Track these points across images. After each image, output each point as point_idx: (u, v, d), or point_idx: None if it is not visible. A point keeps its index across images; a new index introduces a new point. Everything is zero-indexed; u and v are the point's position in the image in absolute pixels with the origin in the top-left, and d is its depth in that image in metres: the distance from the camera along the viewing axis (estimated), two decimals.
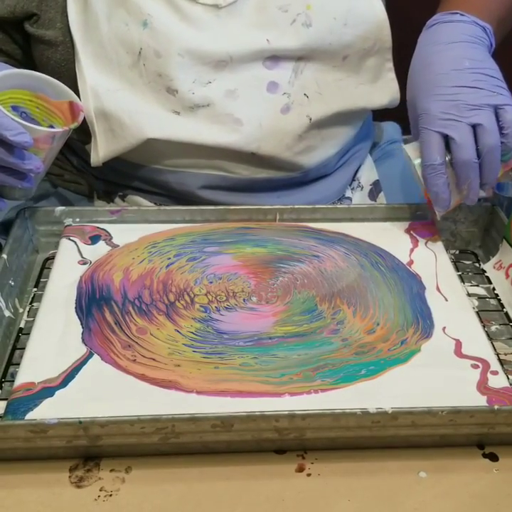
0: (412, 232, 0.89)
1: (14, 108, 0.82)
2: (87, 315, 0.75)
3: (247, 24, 0.89)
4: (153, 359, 0.70)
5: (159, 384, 0.67)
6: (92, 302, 0.77)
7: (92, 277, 0.81)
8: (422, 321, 0.76)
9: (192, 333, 0.74)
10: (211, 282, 0.81)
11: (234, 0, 0.89)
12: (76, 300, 0.77)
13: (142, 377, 0.68)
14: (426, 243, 0.87)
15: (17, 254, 0.83)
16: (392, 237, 0.88)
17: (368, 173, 1.05)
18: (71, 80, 0.88)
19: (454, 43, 0.83)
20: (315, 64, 0.92)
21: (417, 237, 0.88)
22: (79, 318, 0.75)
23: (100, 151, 0.91)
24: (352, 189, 1.04)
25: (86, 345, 0.71)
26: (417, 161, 0.84)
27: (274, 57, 0.90)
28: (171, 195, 0.96)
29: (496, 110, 0.79)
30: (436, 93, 0.81)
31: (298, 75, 0.92)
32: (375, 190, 1.04)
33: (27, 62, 0.94)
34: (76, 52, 0.88)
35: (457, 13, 0.86)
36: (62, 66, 0.90)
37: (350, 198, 1.02)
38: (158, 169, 0.94)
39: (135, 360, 0.70)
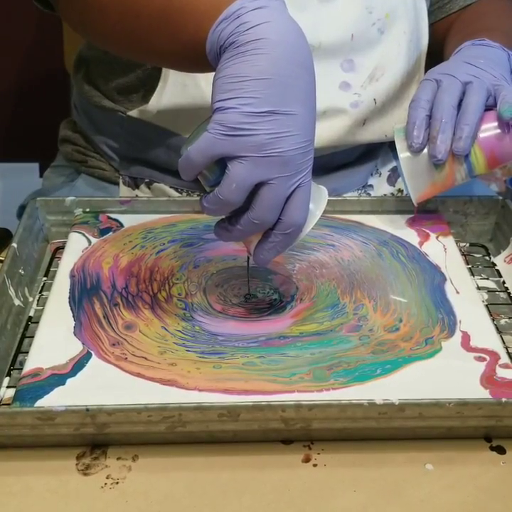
0: (422, 225, 0.89)
1: None
2: (78, 307, 0.74)
3: (340, 13, 0.91)
4: (145, 358, 0.68)
5: (158, 382, 0.66)
6: (83, 293, 0.76)
7: (83, 265, 0.80)
8: (447, 318, 0.74)
9: (180, 331, 0.72)
10: (197, 266, 0.80)
11: None
12: (70, 290, 0.77)
13: (138, 376, 0.66)
14: (437, 237, 0.87)
15: (27, 243, 0.84)
16: (401, 230, 0.88)
17: (385, 160, 1.05)
18: None
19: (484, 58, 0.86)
20: (390, 74, 0.95)
21: (428, 231, 0.88)
22: (71, 310, 0.74)
23: (164, 96, 0.90)
24: (371, 175, 1.04)
25: (79, 339, 0.70)
26: (404, 155, 0.83)
27: (352, 62, 0.92)
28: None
29: (494, 88, 0.81)
30: (442, 65, 0.86)
31: (372, 81, 0.94)
32: (393, 176, 1.04)
33: None
34: None
35: (485, 40, 0.89)
36: None
37: (372, 186, 1.02)
38: None
39: (126, 358, 0.68)
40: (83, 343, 0.70)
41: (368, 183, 1.03)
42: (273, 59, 0.59)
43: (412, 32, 0.96)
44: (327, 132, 0.93)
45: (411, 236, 0.87)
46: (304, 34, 0.63)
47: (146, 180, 0.98)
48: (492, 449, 0.65)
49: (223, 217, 0.66)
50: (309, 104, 0.62)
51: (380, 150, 1.04)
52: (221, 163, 0.62)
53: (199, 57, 0.63)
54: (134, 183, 0.99)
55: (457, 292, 0.78)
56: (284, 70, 0.60)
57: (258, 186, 0.62)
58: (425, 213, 0.90)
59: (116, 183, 1.00)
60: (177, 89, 0.90)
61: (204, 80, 0.89)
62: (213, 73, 0.63)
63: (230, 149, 0.60)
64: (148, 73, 0.93)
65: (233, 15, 0.60)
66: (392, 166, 1.05)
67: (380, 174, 1.04)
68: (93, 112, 1.02)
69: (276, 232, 0.64)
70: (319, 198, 0.68)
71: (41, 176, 1.63)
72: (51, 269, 0.84)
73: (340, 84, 0.93)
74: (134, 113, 0.94)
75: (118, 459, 0.63)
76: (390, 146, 1.08)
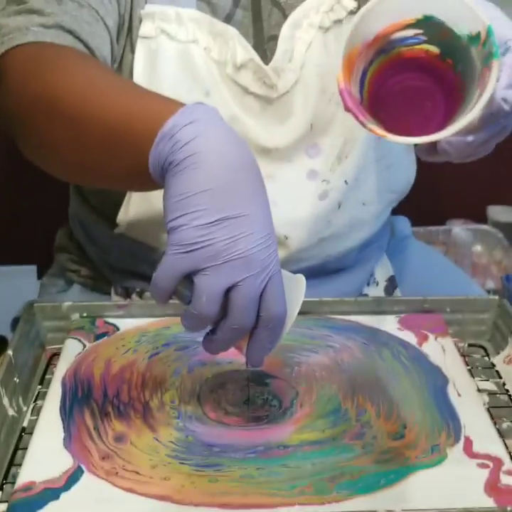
0: (420, 326, 0.88)
1: None
2: (68, 417, 0.72)
3: (294, 112, 0.91)
4: (137, 472, 0.66)
5: (151, 498, 0.63)
6: (74, 402, 0.75)
7: (75, 372, 0.79)
8: (452, 423, 0.72)
9: (172, 442, 0.70)
10: (191, 370, 0.79)
11: (285, 91, 0.90)
12: (61, 399, 0.75)
13: (131, 491, 0.64)
14: (435, 338, 0.86)
15: (23, 350, 0.83)
16: (399, 331, 0.88)
17: (383, 269, 1.05)
18: None
19: None
20: (359, 149, 0.93)
21: (426, 332, 0.87)
22: (62, 420, 0.72)
23: (130, 210, 0.91)
24: (367, 285, 1.04)
25: (69, 453, 0.68)
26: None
27: (316, 146, 0.92)
28: None
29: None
30: None
31: (342, 160, 0.93)
32: (391, 285, 1.04)
33: None
34: None
35: None
36: None
37: (367, 295, 1.02)
38: None
39: (117, 473, 0.66)
40: (73, 457, 0.68)
41: (363, 293, 1.02)
42: (209, 170, 0.60)
43: None
44: (297, 231, 0.93)
45: (409, 337, 0.87)
46: (239, 138, 0.63)
47: (138, 289, 0.99)
48: None
49: (208, 330, 0.66)
50: (259, 200, 0.62)
51: (373, 252, 1.04)
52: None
53: (146, 179, 0.64)
54: (126, 293, 0.99)
55: (459, 395, 0.77)
56: (223, 177, 0.60)
57: (228, 292, 0.61)
58: (423, 313, 0.90)
59: (109, 293, 1.00)
60: (141, 200, 0.91)
61: None
62: None
63: (191, 265, 0.60)
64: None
65: (167, 134, 0.61)
66: (389, 276, 1.05)
67: (377, 284, 1.04)
68: (86, 223, 1.03)
69: (259, 330, 0.64)
70: (297, 284, 0.67)
71: (39, 277, 1.64)
72: (46, 376, 0.83)
73: (308, 173, 0.93)
74: (118, 229, 0.95)
75: None
76: (387, 252, 1.08)
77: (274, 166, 0.91)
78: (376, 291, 1.03)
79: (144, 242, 0.95)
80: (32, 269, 1.70)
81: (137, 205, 0.91)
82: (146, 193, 0.88)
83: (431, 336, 0.87)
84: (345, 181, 0.94)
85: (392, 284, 1.04)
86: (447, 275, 1.11)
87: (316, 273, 0.97)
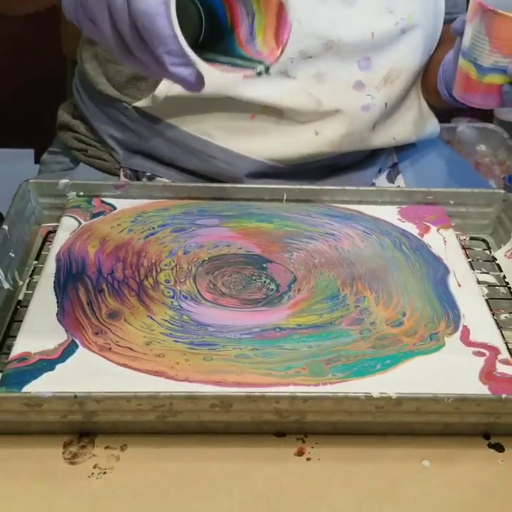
0: (422, 218, 0.87)
1: None
2: (62, 292, 0.72)
3: (361, 11, 0.90)
4: (130, 348, 0.66)
5: (145, 373, 0.63)
6: (69, 277, 0.74)
7: (69, 249, 0.78)
8: (452, 313, 0.72)
9: (167, 321, 0.69)
10: (187, 252, 0.78)
11: None
12: (55, 274, 0.74)
13: (125, 366, 0.64)
14: (438, 230, 0.85)
15: (18, 226, 0.82)
16: (401, 222, 0.86)
17: (387, 156, 1.03)
18: None
19: None
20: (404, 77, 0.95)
21: (428, 224, 0.86)
22: (56, 295, 0.71)
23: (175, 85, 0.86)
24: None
25: (62, 326, 0.68)
26: None
27: (369, 60, 0.92)
28: (205, 181, 0.94)
29: None
30: None
31: (387, 83, 0.93)
32: (393, 172, 1.03)
33: None
34: None
35: None
36: None
37: (374, 184, 1.01)
38: (206, 142, 0.92)
39: (110, 348, 0.66)
40: (66, 331, 0.67)
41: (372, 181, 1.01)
42: None
43: (428, 36, 0.95)
44: (333, 134, 0.93)
45: (411, 228, 0.85)
46: None
47: (148, 173, 0.96)
48: (490, 446, 0.63)
49: None
50: None
51: (385, 151, 1.03)
52: None
53: None
54: (135, 176, 0.97)
55: (459, 286, 0.76)
56: None
57: None
58: (425, 205, 0.89)
59: (117, 175, 0.98)
60: None
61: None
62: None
63: None
64: None
65: None
66: (392, 162, 1.03)
67: (380, 170, 1.03)
68: (97, 99, 0.99)
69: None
70: None
71: (36, 161, 1.61)
72: (42, 253, 0.82)
73: (355, 83, 0.92)
74: (140, 103, 0.92)
75: (106, 448, 0.61)
76: None
77: (329, 63, 0.90)
78: (379, 179, 1.02)
79: (171, 122, 0.92)
80: (29, 152, 1.67)
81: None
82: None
83: (433, 228, 0.85)
84: (386, 104, 0.95)
85: (394, 171, 1.02)
86: (452, 167, 1.09)
87: (327, 167, 0.97)
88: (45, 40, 1.48)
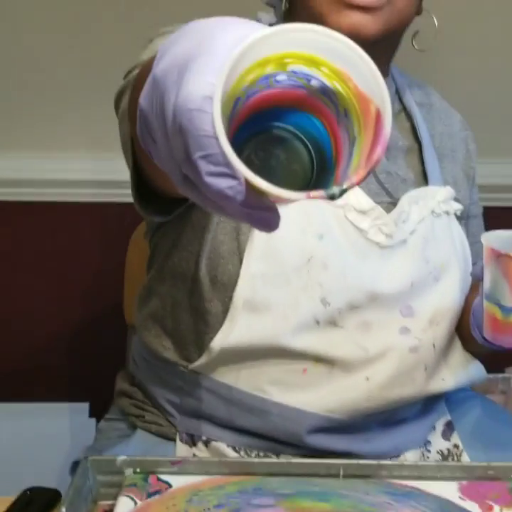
0: (485, 496, 0.84)
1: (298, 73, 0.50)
2: None
3: (400, 264, 0.96)
4: None
5: None
6: None
7: None
8: None
9: None
10: None
11: (402, 240, 0.95)
12: None
13: None
14: (501, 510, 0.82)
15: (75, 504, 0.82)
16: (462, 500, 0.84)
17: (440, 413, 1.04)
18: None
19: None
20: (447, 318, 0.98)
21: (491, 503, 0.83)
22: None
23: (230, 336, 0.91)
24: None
25: None
26: None
27: (410, 308, 0.96)
28: (263, 440, 0.95)
29: None
30: None
31: (432, 325, 0.97)
32: (448, 430, 1.02)
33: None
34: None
35: None
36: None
37: (430, 442, 1.00)
38: (261, 398, 0.93)
39: None
40: None
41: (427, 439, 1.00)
42: None
43: (461, 280, 0.99)
44: (382, 377, 0.94)
45: (473, 507, 0.83)
46: None
47: (204, 438, 0.97)
48: None
49: None
50: None
51: (437, 405, 1.03)
52: None
53: None
54: (191, 441, 0.98)
55: None
56: None
57: None
58: (487, 481, 0.87)
59: (174, 440, 0.99)
60: (243, 330, 0.91)
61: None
62: None
63: None
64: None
65: None
66: (446, 420, 1.03)
67: (434, 428, 1.02)
68: (154, 364, 1.02)
69: None
70: None
71: (91, 415, 1.63)
72: None
73: (401, 329, 0.95)
74: (196, 363, 0.95)
75: None
76: (445, 399, 1.06)
77: (374, 313, 0.94)
78: (434, 436, 1.01)
79: (225, 382, 0.94)
80: (84, 406, 1.70)
81: (240, 333, 0.91)
82: (250, 322, 0.90)
83: (496, 508, 0.83)
84: (434, 345, 0.97)
85: (449, 429, 1.02)
86: (509, 429, 1.07)
87: (382, 422, 0.98)
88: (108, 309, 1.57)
